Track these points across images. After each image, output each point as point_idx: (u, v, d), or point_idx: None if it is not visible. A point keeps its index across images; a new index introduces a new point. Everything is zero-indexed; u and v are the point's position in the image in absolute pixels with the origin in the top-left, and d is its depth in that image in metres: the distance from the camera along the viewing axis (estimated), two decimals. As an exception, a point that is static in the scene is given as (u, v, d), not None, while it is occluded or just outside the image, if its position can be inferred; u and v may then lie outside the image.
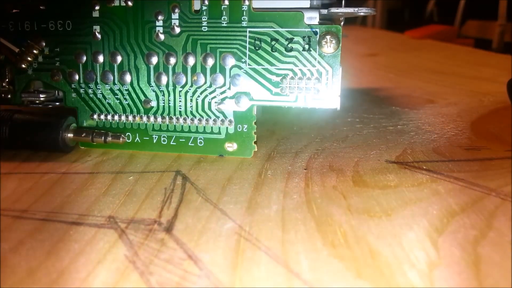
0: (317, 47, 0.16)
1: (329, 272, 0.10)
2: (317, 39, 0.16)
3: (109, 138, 0.18)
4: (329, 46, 0.16)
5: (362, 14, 0.17)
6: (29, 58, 0.18)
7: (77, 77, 0.18)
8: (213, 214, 0.13)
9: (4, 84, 0.19)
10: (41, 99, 0.19)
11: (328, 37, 0.16)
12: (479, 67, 0.45)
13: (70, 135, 0.18)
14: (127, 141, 0.18)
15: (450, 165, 0.17)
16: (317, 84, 0.17)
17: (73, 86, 0.18)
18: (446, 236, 0.12)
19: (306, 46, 0.16)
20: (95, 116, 0.18)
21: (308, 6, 0.16)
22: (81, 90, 0.18)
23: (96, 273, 0.10)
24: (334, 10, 0.16)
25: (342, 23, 0.20)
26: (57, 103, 0.19)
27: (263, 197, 0.14)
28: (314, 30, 0.16)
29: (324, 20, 0.17)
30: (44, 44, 0.18)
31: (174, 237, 0.12)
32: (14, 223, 0.13)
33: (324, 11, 0.16)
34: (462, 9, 1.05)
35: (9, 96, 0.19)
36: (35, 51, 0.18)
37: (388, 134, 0.21)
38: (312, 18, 0.16)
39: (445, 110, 0.26)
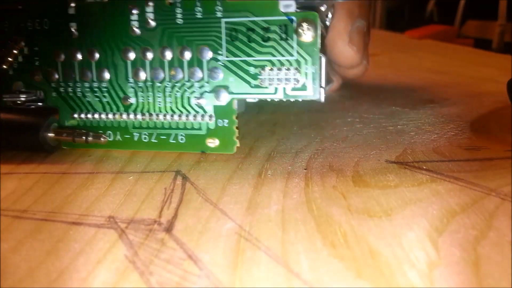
0: (295, 35, 0.16)
1: (329, 272, 0.10)
2: (294, 27, 0.16)
3: (90, 138, 0.18)
4: (306, 34, 0.16)
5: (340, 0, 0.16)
6: (9, 59, 0.18)
7: (56, 76, 0.18)
8: (213, 214, 0.13)
9: None
10: (22, 99, 0.18)
11: (304, 24, 0.16)
12: (479, 67, 0.45)
13: (51, 134, 0.18)
14: (109, 139, 0.18)
15: (450, 165, 0.17)
16: (297, 75, 0.16)
17: (53, 85, 0.18)
18: (446, 236, 0.12)
19: (283, 35, 0.16)
20: (76, 115, 0.18)
21: None
22: (61, 89, 0.18)
23: (96, 273, 0.10)
24: None
25: (329, 15, 0.20)
26: (40, 103, 0.19)
27: (263, 197, 0.14)
28: (290, 18, 0.16)
29: (304, 8, 0.16)
30: (23, 43, 0.18)
31: (174, 237, 0.12)
32: (14, 223, 0.13)
33: None
34: (462, 9, 1.05)
35: None
36: (15, 51, 0.18)
37: (388, 134, 0.21)
38: (288, 5, 0.16)
39: (445, 110, 0.26)
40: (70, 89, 0.18)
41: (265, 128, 0.22)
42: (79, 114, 0.18)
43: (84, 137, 0.18)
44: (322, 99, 0.17)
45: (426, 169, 0.16)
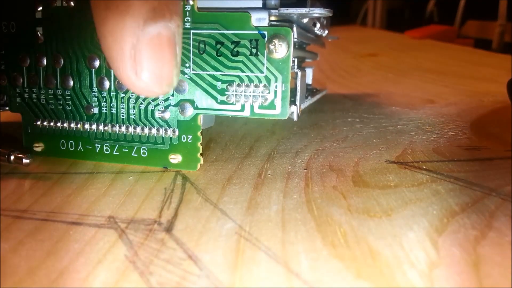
0: (265, 51, 0.15)
1: (329, 272, 0.10)
2: (265, 42, 0.15)
3: (12, 158, 0.17)
4: (277, 51, 0.15)
5: (316, 15, 0.16)
6: None
7: (21, 81, 0.17)
8: (213, 214, 0.13)
9: None
10: None
11: (276, 41, 0.15)
12: (479, 67, 0.45)
13: None
14: (71, 149, 0.17)
15: (450, 165, 0.17)
16: (265, 92, 0.15)
17: (17, 90, 0.18)
18: (446, 236, 0.12)
19: (254, 50, 0.15)
20: (39, 122, 0.18)
21: (261, 6, 0.15)
22: (25, 95, 0.18)
23: (96, 273, 0.10)
24: (283, 10, 0.15)
25: (317, 25, 0.19)
26: (7, 108, 0.18)
27: (263, 197, 0.14)
28: (261, 32, 0.15)
29: (282, 21, 0.16)
30: None
31: (174, 237, 0.12)
32: (14, 223, 0.13)
33: (275, 12, 0.15)
34: (462, 9, 1.05)
35: None
36: None
37: (388, 134, 0.21)
38: (261, 19, 0.15)
39: (445, 110, 0.26)
40: (34, 95, 0.18)
41: (265, 128, 0.22)
42: (42, 122, 0.18)
43: (5, 157, 0.17)
44: (295, 118, 0.16)
45: (426, 169, 0.16)
